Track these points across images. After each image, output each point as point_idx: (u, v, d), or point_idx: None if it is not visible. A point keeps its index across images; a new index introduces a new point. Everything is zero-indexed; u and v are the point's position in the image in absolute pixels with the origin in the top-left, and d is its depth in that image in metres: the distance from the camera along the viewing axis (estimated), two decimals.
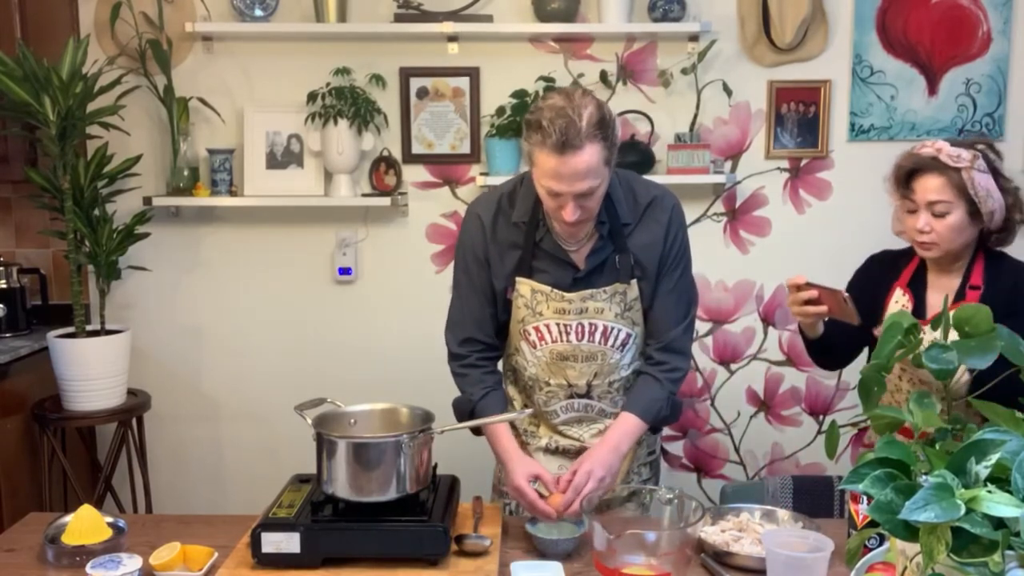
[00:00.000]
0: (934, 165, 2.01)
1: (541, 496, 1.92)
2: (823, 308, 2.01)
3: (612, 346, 2.03)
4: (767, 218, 3.32)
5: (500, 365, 2.19)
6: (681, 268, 2.05)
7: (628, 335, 2.04)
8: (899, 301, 2.14)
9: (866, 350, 2.23)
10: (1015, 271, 2.08)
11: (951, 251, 2.06)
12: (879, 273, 2.22)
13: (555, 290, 2.00)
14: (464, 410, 2.08)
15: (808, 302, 2.02)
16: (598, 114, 1.80)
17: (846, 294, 1.97)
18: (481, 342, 2.09)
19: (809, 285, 2.01)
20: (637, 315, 2.04)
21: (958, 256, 2.09)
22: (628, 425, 2.01)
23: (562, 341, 2.03)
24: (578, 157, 1.78)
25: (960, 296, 2.05)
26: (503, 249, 2.04)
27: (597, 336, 2.02)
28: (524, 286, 2.02)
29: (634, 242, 2.00)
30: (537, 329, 2.04)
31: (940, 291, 2.09)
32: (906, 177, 2.07)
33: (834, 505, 2.17)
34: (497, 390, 2.09)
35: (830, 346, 2.17)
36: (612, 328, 2.02)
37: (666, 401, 2.04)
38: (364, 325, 3.38)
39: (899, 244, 2.21)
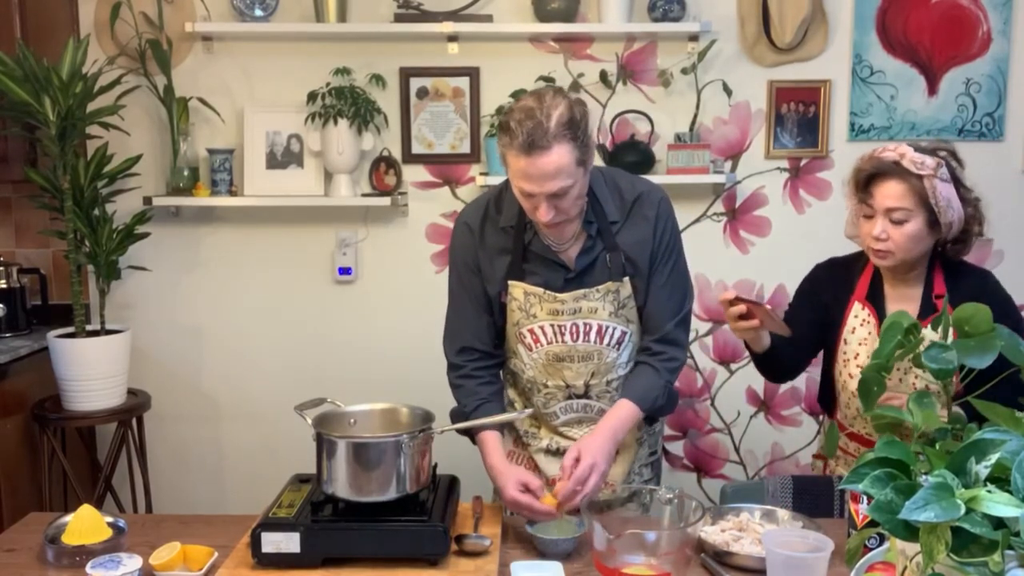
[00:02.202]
0: (896, 171, 1.95)
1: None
2: (755, 322, 1.98)
3: (608, 345, 2.03)
4: (767, 218, 3.32)
5: (501, 374, 2.18)
6: (672, 262, 2.04)
7: (623, 333, 2.04)
8: (859, 315, 2.10)
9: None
10: (975, 276, 2.05)
11: (907, 261, 2.01)
12: (829, 282, 2.18)
13: (547, 291, 2.00)
14: (459, 422, 2.06)
15: (741, 317, 1.98)
16: (568, 114, 1.80)
17: (769, 307, 1.96)
18: (478, 351, 2.09)
19: (739, 300, 1.98)
20: (631, 313, 2.04)
21: (913, 266, 2.04)
22: (625, 412, 2.00)
23: (557, 342, 2.03)
24: (546, 158, 1.78)
25: (926, 307, 2.02)
26: (493, 255, 2.03)
27: (592, 335, 2.02)
28: (517, 289, 2.02)
29: (623, 239, 2.00)
30: (532, 331, 2.04)
31: (900, 302, 2.05)
32: (865, 181, 2.01)
33: (834, 505, 2.17)
34: (492, 401, 2.07)
35: (774, 358, 2.13)
36: (607, 327, 2.02)
37: (663, 390, 2.03)
38: (364, 325, 3.38)
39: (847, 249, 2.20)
